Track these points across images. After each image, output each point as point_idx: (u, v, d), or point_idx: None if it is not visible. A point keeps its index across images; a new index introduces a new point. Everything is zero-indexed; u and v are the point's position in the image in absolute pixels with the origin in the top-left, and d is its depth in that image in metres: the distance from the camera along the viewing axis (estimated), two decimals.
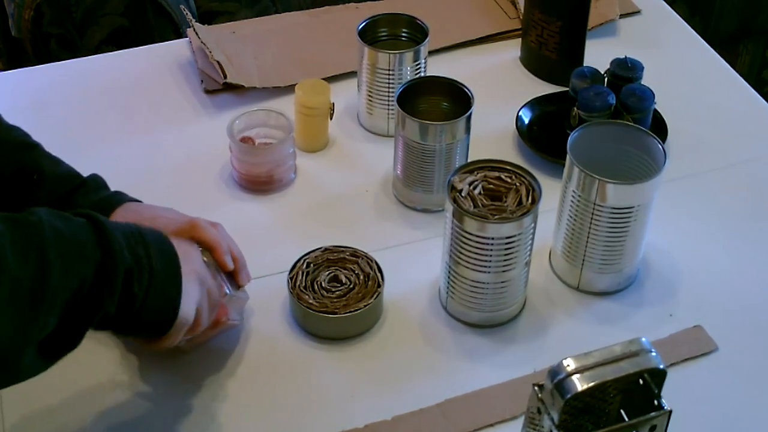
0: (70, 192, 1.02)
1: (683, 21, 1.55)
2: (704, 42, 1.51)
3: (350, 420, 0.98)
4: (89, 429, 0.98)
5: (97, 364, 1.03)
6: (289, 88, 1.34)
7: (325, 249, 1.10)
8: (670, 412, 0.81)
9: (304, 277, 1.08)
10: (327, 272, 1.08)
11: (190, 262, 0.92)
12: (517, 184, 1.04)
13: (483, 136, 1.27)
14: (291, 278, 1.07)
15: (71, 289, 0.78)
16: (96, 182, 1.05)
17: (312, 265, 1.09)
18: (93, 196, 1.02)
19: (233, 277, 1.03)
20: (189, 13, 1.42)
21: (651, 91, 1.26)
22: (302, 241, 1.13)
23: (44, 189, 1.01)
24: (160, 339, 0.91)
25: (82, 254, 0.79)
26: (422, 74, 1.29)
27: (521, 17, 1.46)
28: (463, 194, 1.03)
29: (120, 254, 0.81)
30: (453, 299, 1.08)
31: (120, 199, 1.03)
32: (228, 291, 1.01)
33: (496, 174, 1.05)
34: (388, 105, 1.29)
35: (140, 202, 1.05)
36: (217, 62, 1.35)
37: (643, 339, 0.81)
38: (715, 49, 1.49)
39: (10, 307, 0.74)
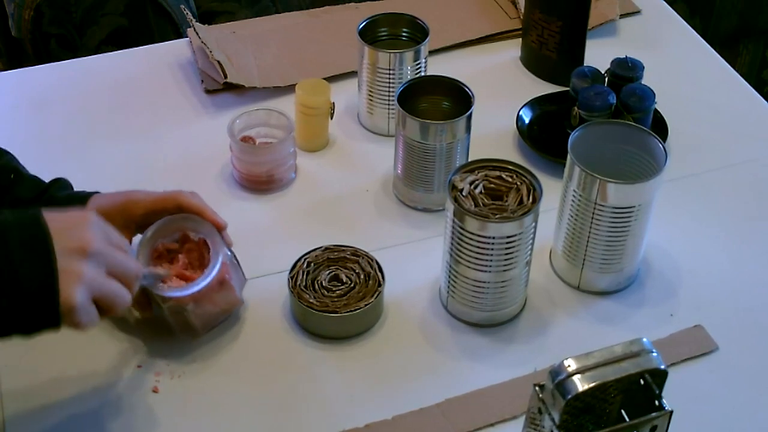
0: (46, 188, 1.06)
1: (683, 21, 1.55)
2: (704, 42, 1.51)
3: (350, 420, 0.98)
4: (88, 422, 0.98)
5: (97, 358, 1.03)
6: (290, 88, 1.34)
7: (326, 248, 1.10)
8: (671, 412, 0.81)
9: (304, 277, 1.08)
10: (327, 271, 1.08)
11: (68, 237, 0.84)
12: (518, 183, 1.04)
13: (483, 135, 1.27)
14: (291, 277, 1.07)
15: None
16: (66, 181, 1.09)
17: (312, 264, 1.09)
18: (67, 191, 1.07)
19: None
20: (189, 13, 1.42)
21: (651, 90, 1.26)
22: (303, 241, 1.13)
23: (23, 186, 1.05)
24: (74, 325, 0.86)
25: None
26: (422, 74, 1.29)
27: (521, 17, 1.46)
28: (464, 193, 1.03)
29: None
30: (453, 298, 1.08)
31: (91, 192, 1.07)
32: (229, 253, 1.04)
33: (497, 173, 1.05)
34: (389, 104, 1.29)
35: None
36: (218, 62, 1.35)
37: (644, 339, 0.81)
38: (715, 49, 1.49)
39: None
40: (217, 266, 1.01)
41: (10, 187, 1.04)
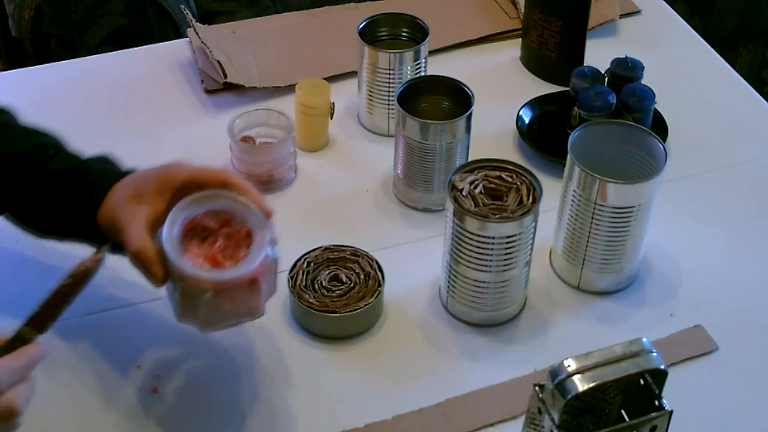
0: (83, 161, 1.01)
1: (683, 21, 1.55)
2: (704, 42, 1.51)
3: (350, 420, 0.98)
4: (87, 422, 0.98)
5: (96, 358, 1.03)
6: (290, 88, 1.34)
7: (326, 248, 1.10)
8: (671, 412, 0.81)
9: (304, 276, 1.08)
10: (327, 271, 1.08)
11: None
12: (518, 183, 1.04)
13: (483, 135, 1.27)
14: (291, 277, 1.07)
15: None
16: (111, 157, 1.03)
17: (312, 264, 1.09)
18: (105, 165, 1.01)
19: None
20: (189, 13, 1.42)
21: (651, 90, 1.26)
22: (302, 241, 1.12)
23: (58, 160, 1.00)
24: None
25: None
26: (422, 74, 1.29)
27: (521, 17, 1.46)
28: (463, 193, 1.03)
29: None
30: (453, 298, 1.08)
31: (130, 170, 1.00)
32: (270, 252, 0.91)
33: (497, 173, 1.05)
34: (389, 104, 1.29)
35: None
36: (218, 62, 1.35)
37: (644, 339, 0.81)
38: (715, 49, 1.49)
39: None
40: (256, 263, 0.89)
41: (47, 162, 0.99)
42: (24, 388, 0.79)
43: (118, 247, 0.94)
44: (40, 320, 0.83)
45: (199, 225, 0.92)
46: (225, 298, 0.89)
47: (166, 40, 1.52)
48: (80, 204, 0.97)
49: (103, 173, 0.99)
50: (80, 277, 0.85)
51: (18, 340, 0.81)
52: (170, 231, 0.89)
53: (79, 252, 0.96)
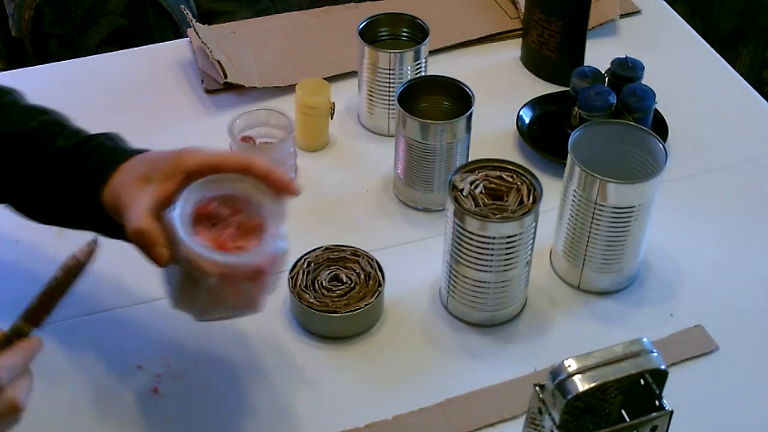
0: (90, 137, 0.97)
1: (683, 21, 1.55)
2: (704, 42, 1.51)
3: (350, 420, 0.98)
4: (88, 423, 0.98)
5: (97, 358, 1.03)
6: (290, 88, 1.34)
7: (326, 248, 1.10)
8: (671, 412, 0.81)
9: (304, 276, 1.08)
10: (328, 271, 1.08)
11: None
12: (518, 183, 1.04)
13: (484, 135, 1.27)
14: (291, 277, 1.07)
15: None
16: (118, 135, 1.00)
17: (313, 264, 1.09)
18: (115, 143, 0.98)
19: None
20: (189, 13, 1.42)
21: (651, 90, 1.26)
22: (303, 241, 1.12)
23: (65, 136, 0.97)
24: None
25: None
26: (422, 74, 1.29)
27: (522, 17, 1.46)
28: (464, 193, 1.03)
29: None
30: (454, 298, 1.08)
31: (142, 150, 0.97)
32: (282, 245, 0.90)
33: (497, 173, 1.05)
34: (389, 104, 1.29)
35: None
36: (218, 62, 1.35)
37: (645, 339, 0.81)
38: (715, 49, 1.49)
39: None
40: (269, 252, 0.87)
41: (54, 139, 0.95)
42: (24, 382, 0.79)
43: (121, 231, 0.89)
44: (36, 314, 0.83)
45: (210, 212, 0.90)
46: (229, 286, 0.87)
47: (166, 40, 1.52)
48: (86, 182, 0.93)
49: (113, 151, 0.95)
50: (73, 270, 0.84)
51: (15, 335, 0.82)
52: (183, 209, 0.86)
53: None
